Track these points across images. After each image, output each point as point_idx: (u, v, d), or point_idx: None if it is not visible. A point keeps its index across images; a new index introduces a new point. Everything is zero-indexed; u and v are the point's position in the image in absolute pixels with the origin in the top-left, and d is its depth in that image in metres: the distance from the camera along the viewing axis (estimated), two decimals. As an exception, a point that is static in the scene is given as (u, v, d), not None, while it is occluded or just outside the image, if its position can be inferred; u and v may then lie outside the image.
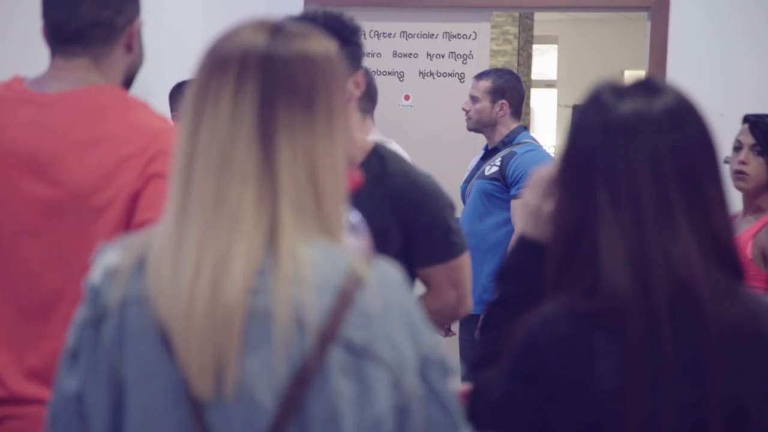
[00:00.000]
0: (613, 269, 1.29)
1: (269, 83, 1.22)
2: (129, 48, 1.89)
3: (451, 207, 2.42)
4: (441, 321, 2.54)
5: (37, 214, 1.77)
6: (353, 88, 2.24)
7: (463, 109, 4.27)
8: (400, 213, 2.35)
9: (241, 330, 1.18)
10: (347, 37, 2.28)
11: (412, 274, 2.43)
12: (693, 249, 1.29)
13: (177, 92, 3.68)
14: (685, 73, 4.31)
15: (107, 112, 1.81)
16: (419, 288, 2.47)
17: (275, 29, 1.25)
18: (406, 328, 1.22)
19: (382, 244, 2.32)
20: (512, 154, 4.09)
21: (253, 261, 1.19)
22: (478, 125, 4.23)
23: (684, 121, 1.33)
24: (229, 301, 1.17)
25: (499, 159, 4.11)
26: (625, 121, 1.32)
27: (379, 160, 2.37)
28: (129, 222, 1.74)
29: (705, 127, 1.35)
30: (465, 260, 2.44)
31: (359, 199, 2.27)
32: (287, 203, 1.21)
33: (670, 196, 1.30)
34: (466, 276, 2.46)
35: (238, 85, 1.22)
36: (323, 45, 1.27)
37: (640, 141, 1.31)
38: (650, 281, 1.28)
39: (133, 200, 1.74)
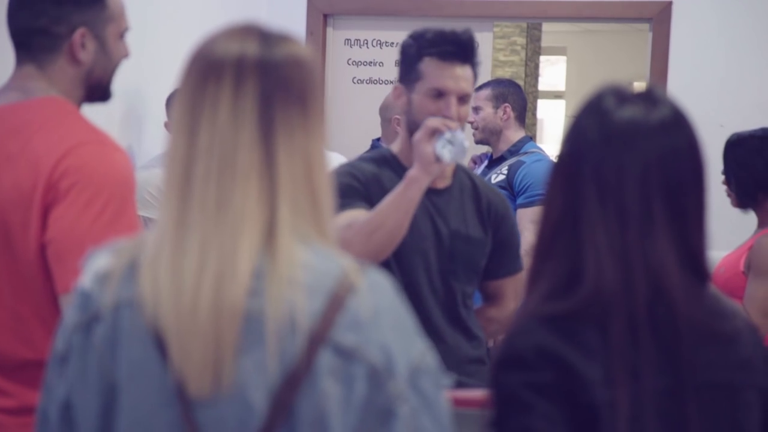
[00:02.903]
0: (598, 261, 1.32)
1: (267, 85, 1.24)
2: (73, 57, 1.86)
3: None
4: (499, 331, 2.63)
5: None
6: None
7: (468, 122, 4.28)
8: (492, 226, 2.52)
9: (239, 330, 1.19)
10: (475, 57, 2.45)
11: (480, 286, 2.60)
12: (670, 257, 1.33)
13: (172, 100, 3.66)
14: (686, 85, 4.32)
15: (35, 127, 1.80)
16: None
17: (263, 34, 1.28)
18: (397, 333, 1.23)
19: (480, 255, 2.52)
20: (520, 163, 4.09)
21: (254, 261, 1.21)
22: (485, 134, 4.23)
23: (675, 132, 1.36)
24: (233, 301, 1.19)
25: (506, 167, 4.11)
26: (622, 129, 1.35)
27: (467, 176, 2.57)
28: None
29: (694, 139, 1.38)
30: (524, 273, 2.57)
31: (463, 214, 2.41)
32: (285, 201, 1.23)
33: (653, 205, 1.33)
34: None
35: (237, 87, 1.24)
36: (307, 49, 1.30)
37: (633, 149, 1.34)
38: (631, 280, 1.32)
39: (45, 216, 1.74)
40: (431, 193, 2.42)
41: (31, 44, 1.86)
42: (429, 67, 2.38)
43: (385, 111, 4.35)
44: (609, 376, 1.29)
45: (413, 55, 2.42)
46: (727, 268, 3.02)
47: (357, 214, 2.32)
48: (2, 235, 1.77)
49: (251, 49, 1.26)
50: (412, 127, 2.40)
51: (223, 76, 1.24)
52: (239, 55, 1.25)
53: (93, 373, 1.25)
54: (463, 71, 2.40)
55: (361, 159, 2.52)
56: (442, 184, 2.48)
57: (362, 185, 2.39)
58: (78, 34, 1.86)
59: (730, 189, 3.07)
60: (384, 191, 2.37)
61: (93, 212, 1.74)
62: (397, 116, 4.33)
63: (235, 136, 1.23)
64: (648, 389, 1.30)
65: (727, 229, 2.89)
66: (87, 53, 1.87)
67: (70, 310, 1.29)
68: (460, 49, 2.40)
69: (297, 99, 1.25)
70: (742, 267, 3.01)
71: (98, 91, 1.93)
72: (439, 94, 2.38)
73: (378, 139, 4.40)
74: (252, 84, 1.24)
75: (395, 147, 2.51)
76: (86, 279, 1.28)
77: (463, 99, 2.40)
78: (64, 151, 1.76)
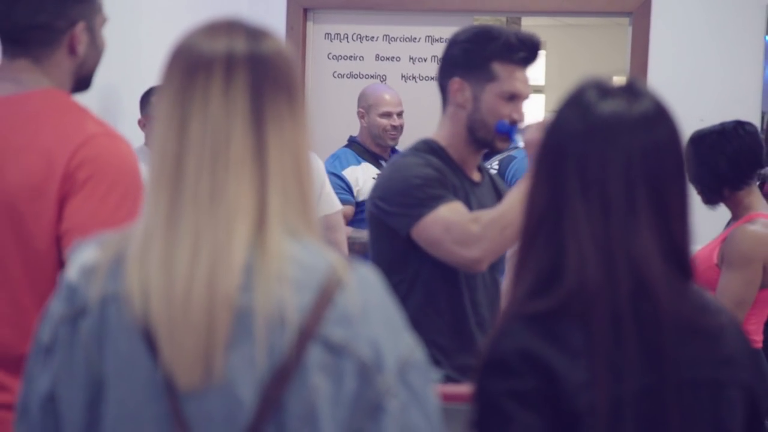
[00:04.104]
0: (581, 254, 1.32)
1: (256, 78, 1.26)
2: (72, 50, 1.88)
3: None
4: None
5: None
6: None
7: None
8: None
9: (229, 324, 1.20)
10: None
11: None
12: (653, 249, 1.33)
13: (148, 97, 3.68)
14: (665, 79, 4.34)
15: (42, 119, 1.80)
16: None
17: (248, 29, 1.30)
18: (385, 328, 1.24)
19: None
20: (511, 158, 4.11)
21: (246, 254, 1.21)
22: None
23: (658, 125, 1.37)
24: (227, 294, 1.20)
25: (497, 162, 4.12)
26: (604, 122, 1.35)
27: (485, 170, 2.63)
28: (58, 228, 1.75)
29: (676, 133, 1.38)
30: None
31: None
32: (276, 192, 1.24)
33: (637, 198, 1.33)
34: None
35: (228, 80, 1.25)
36: (287, 44, 1.32)
37: (616, 142, 1.34)
38: (614, 273, 1.32)
39: (61, 207, 1.75)
40: (474, 186, 2.50)
41: (29, 40, 1.85)
42: (505, 70, 2.45)
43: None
44: (591, 377, 1.29)
45: (484, 55, 2.46)
46: (701, 261, 3.04)
47: (460, 207, 2.36)
48: (12, 225, 1.77)
49: (239, 43, 1.27)
50: (477, 125, 2.46)
51: (213, 70, 1.25)
52: (228, 49, 1.26)
53: (79, 366, 1.25)
54: (527, 75, 2.50)
55: (419, 150, 2.51)
56: (478, 177, 2.54)
57: (445, 177, 2.42)
58: (79, 28, 1.87)
59: (696, 187, 3.07)
60: (451, 184, 2.42)
61: (111, 204, 1.75)
62: (361, 109, 4.37)
63: (228, 127, 1.24)
64: (629, 391, 1.30)
65: (699, 222, 2.91)
66: (82, 46, 1.89)
67: (55, 301, 1.29)
68: (533, 55, 2.48)
69: (284, 91, 1.27)
70: (715, 260, 3.03)
71: (84, 82, 1.94)
72: (512, 98, 2.46)
73: (355, 135, 4.42)
74: (242, 77, 1.25)
75: (443, 140, 2.52)
76: (72, 271, 1.28)
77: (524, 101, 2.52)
78: (79, 143, 1.77)
